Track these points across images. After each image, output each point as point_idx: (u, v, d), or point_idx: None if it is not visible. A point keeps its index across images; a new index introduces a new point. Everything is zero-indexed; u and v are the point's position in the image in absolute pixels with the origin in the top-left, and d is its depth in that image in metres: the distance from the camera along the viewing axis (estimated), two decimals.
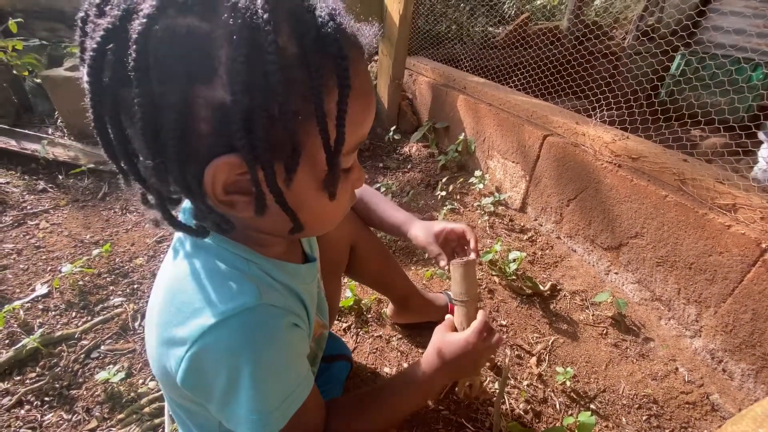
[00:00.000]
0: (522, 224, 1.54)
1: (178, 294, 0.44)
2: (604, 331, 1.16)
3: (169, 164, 0.35)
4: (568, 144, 1.36)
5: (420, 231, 0.79)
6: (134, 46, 0.31)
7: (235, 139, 0.34)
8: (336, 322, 1.15)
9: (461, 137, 1.82)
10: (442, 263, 0.76)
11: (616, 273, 1.29)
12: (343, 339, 1.11)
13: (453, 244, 0.81)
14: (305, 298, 0.54)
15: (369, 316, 1.18)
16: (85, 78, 0.33)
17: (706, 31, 2.10)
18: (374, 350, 1.09)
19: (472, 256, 0.76)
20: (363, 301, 1.19)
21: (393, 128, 2.13)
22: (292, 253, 0.58)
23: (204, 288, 0.43)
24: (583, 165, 1.31)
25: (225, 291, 0.43)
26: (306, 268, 0.58)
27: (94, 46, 0.32)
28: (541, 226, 1.53)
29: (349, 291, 1.18)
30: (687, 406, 1.00)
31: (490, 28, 2.67)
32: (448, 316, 0.75)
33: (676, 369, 1.07)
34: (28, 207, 1.54)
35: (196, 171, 0.36)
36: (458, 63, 2.18)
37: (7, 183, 1.65)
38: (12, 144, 1.78)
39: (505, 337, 1.13)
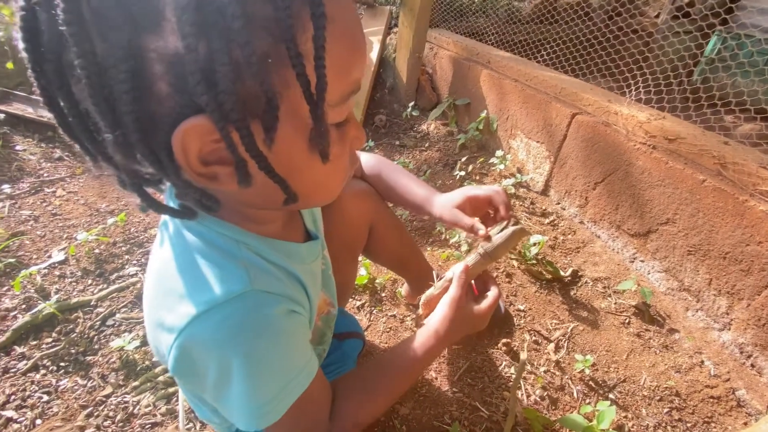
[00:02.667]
0: (544, 207, 1.48)
1: (165, 279, 0.41)
2: (627, 321, 1.12)
3: (131, 136, 0.30)
4: (599, 123, 1.29)
5: (444, 209, 0.72)
6: None
7: (196, 96, 0.28)
8: (349, 299, 1.14)
9: (483, 115, 1.75)
10: (481, 232, 0.67)
11: (642, 261, 1.23)
12: (357, 317, 1.10)
13: (482, 211, 0.75)
14: (305, 281, 0.49)
15: (383, 294, 1.15)
16: (21, 45, 0.28)
17: (745, 11, 1.95)
18: (388, 329, 1.07)
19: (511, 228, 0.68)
20: (377, 280, 1.17)
21: (411, 104, 2.06)
22: (292, 230, 0.54)
23: (189, 273, 0.40)
24: (614, 146, 1.24)
25: (211, 277, 0.39)
26: (306, 247, 0.53)
27: (22, 3, 0.27)
28: (564, 210, 1.47)
29: (364, 269, 1.16)
30: (711, 400, 0.96)
31: (516, 2, 2.54)
32: (459, 272, 0.66)
33: (702, 362, 1.03)
34: (45, 175, 1.55)
35: (162, 141, 0.31)
36: (482, 37, 2.08)
37: (24, 150, 1.65)
38: (29, 111, 1.78)
39: (522, 322, 1.10)
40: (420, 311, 0.73)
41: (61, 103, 0.30)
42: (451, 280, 0.66)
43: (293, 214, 0.55)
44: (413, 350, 0.60)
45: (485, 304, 0.65)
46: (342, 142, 0.40)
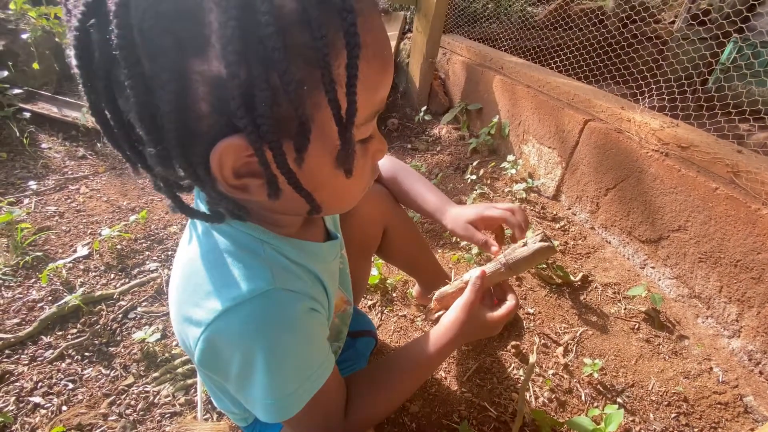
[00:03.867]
0: (554, 212, 1.49)
1: (193, 276, 0.44)
2: (636, 326, 1.12)
3: (172, 151, 0.32)
4: (611, 130, 1.30)
5: (456, 223, 0.74)
6: (115, 20, 0.27)
7: (236, 118, 0.30)
8: (362, 299, 1.16)
9: (495, 120, 1.76)
10: (494, 249, 0.69)
11: (652, 267, 1.24)
12: (368, 316, 1.12)
13: (495, 228, 0.77)
14: (324, 279, 0.51)
15: (394, 295, 1.18)
16: (73, 61, 0.30)
17: (761, 18, 1.94)
18: (398, 329, 1.09)
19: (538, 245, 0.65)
20: (389, 281, 1.19)
21: (423, 109, 2.08)
22: (312, 231, 0.56)
23: (216, 271, 0.42)
24: (627, 153, 1.25)
25: (237, 274, 0.41)
26: (327, 247, 0.55)
27: (76, 24, 0.29)
28: (575, 215, 1.48)
29: (375, 269, 1.18)
30: (719, 406, 0.96)
31: (529, 8, 2.55)
32: (474, 277, 0.66)
33: (711, 368, 1.03)
34: (69, 172, 1.60)
35: (200, 156, 0.33)
36: (495, 43, 2.10)
37: (50, 148, 1.71)
38: (54, 111, 1.84)
39: (531, 325, 1.11)
40: (432, 305, 0.75)
41: (108, 115, 0.32)
42: (467, 282, 0.67)
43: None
44: (424, 350, 0.61)
45: (500, 312, 0.65)
46: (365, 156, 0.42)
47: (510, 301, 0.67)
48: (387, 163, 0.84)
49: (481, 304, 0.66)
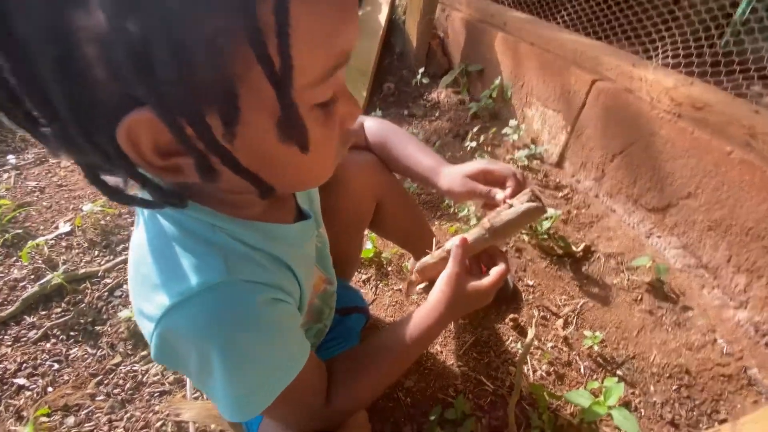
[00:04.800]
0: (557, 180, 1.43)
1: (141, 265, 0.39)
2: (639, 297, 1.09)
3: (69, 129, 0.26)
4: (621, 90, 1.21)
5: (453, 182, 0.64)
6: None
7: (131, 86, 0.24)
8: (355, 273, 1.12)
9: (497, 82, 1.66)
10: (500, 196, 0.58)
11: (658, 236, 1.19)
12: (362, 291, 1.09)
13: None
14: (294, 265, 0.46)
15: (390, 269, 1.14)
16: None
17: None
18: (393, 303, 1.06)
19: (526, 204, 0.57)
20: (384, 255, 1.15)
21: (421, 71, 1.97)
22: (280, 210, 0.49)
23: (162, 260, 0.37)
24: (636, 114, 1.17)
25: (186, 266, 0.36)
26: (298, 228, 0.49)
27: None
28: (579, 183, 1.41)
29: (370, 242, 1.14)
30: (722, 378, 0.94)
31: None
32: (454, 246, 0.59)
33: (715, 340, 1.00)
34: None
35: (106, 135, 0.27)
36: None
37: None
38: None
39: (531, 298, 1.08)
40: (412, 278, 0.69)
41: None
42: (449, 252, 0.60)
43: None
44: (411, 332, 0.56)
45: (489, 280, 0.58)
46: (328, 124, 0.35)
47: (498, 267, 0.60)
48: (376, 127, 0.75)
49: (467, 274, 0.59)
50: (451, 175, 0.65)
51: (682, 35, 1.26)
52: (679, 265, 1.14)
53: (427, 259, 0.66)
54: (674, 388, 0.92)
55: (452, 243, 0.61)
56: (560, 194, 1.38)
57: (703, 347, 0.99)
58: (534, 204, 0.55)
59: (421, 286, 0.68)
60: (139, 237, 0.40)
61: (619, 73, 1.23)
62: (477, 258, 0.63)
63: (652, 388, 0.92)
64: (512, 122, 1.58)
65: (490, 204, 0.62)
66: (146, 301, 0.37)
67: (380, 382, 0.56)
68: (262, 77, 0.26)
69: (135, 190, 0.34)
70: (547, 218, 1.18)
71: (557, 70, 1.40)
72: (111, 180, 0.32)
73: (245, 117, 0.28)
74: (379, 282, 1.11)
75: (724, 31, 1.86)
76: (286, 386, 0.42)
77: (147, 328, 0.38)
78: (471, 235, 0.60)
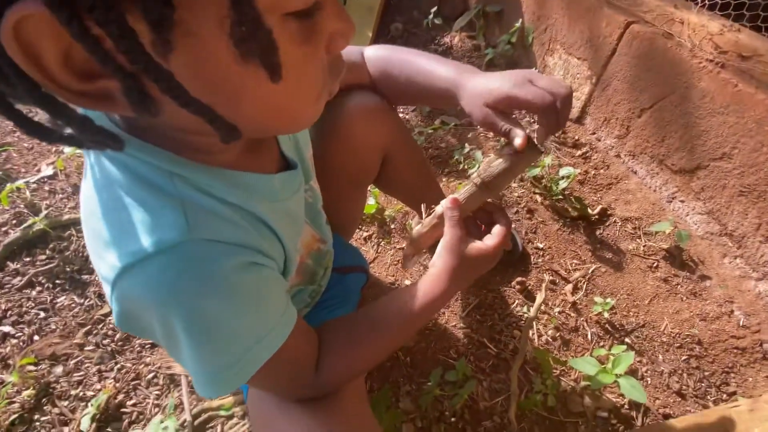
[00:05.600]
0: (576, 137, 1.32)
1: (90, 218, 0.32)
2: (655, 264, 1.03)
3: None
4: (658, 34, 1.08)
5: (474, 106, 0.50)
6: None
7: None
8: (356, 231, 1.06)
9: (517, 25, 1.50)
10: (517, 141, 0.46)
11: (681, 201, 1.11)
12: (363, 249, 1.03)
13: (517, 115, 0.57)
14: (272, 222, 0.39)
15: (393, 227, 1.08)
16: None
17: None
18: (395, 262, 1.01)
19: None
20: (387, 212, 1.08)
21: (433, 11, 1.79)
22: (259, 157, 0.41)
23: (112, 215, 0.30)
24: (674, 63, 1.05)
25: (138, 221, 0.30)
26: (281, 180, 0.41)
27: None
28: (599, 141, 1.31)
29: (372, 198, 1.06)
30: (735, 351, 0.90)
31: None
32: (446, 209, 0.51)
33: (732, 311, 0.95)
34: None
35: None
36: None
37: None
38: None
39: (540, 261, 1.02)
40: (407, 251, 0.62)
41: None
42: (441, 217, 0.52)
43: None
44: (411, 305, 0.49)
45: (492, 242, 0.50)
46: (309, 42, 0.27)
47: (499, 225, 0.52)
48: (376, 54, 0.62)
49: (467, 237, 0.51)
50: (473, 96, 0.51)
51: None
52: (701, 232, 1.07)
53: (419, 229, 0.58)
54: (684, 358, 0.89)
55: (441, 208, 0.53)
56: (578, 153, 1.29)
57: (718, 318, 0.94)
58: (527, 148, 0.46)
59: (416, 258, 0.62)
60: (86, 187, 0.33)
61: (658, 15, 1.09)
62: (473, 216, 0.55)
63: (660, 357, 0.88)
64: None
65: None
66: (100, 260, 0.31)
67: (378, 354, 0.51)
68: None
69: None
70: (563, 177, 1.10)
71: (586, 12, 1.25)
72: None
73: (185, 21, 0.21)
74: (381, 240, 1.05)
75: None
76: (265, 360, 0.37)
77: (106, 291, 0.32)
78: (462, 194, 0.52)
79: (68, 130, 0.25)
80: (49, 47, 0.21)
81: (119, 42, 0.20)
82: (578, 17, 1.29)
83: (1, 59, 0.20)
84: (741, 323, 0.93)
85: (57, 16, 0.19)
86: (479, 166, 0.51)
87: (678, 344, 0.90)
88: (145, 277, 0.30)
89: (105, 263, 0.31)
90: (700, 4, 1.08)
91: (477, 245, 0.50)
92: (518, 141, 0.46)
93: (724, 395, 0.84)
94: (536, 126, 0.50)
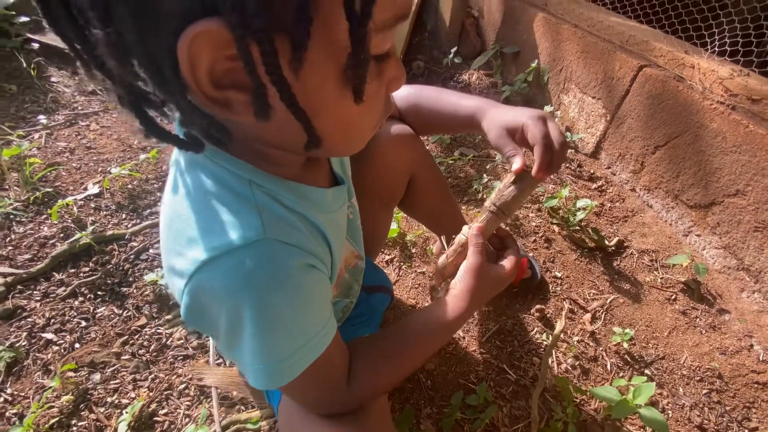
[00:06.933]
0: (592, 171, 1.37)
1: (175, 220, 0.37)
2: (673, 297, 1.05)
3: (127, 35, 0.24)
4: (670, 78, 1.14)
5: (492, 127, 0.58)
6: None
7: None
8: (380, 253, 1.11)
9: (533, 65, 1.59)
10: (515, 166, 0.53)
11: (698, 235, 1.13)
12: (385, 271, 1.07)
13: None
14: (328, 232, 0.44)
15: (414, 251, 1.12)
16: None
17: None
18: (416, 285, 1.05)
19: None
20: (408, 236, 1.12)
21: (453, 51, 1.90)
22: (315, 173, 0.47)
23: (200, 216, 0.36)
24: (685, 105, 1.10)
25: (223, 221, 0.35)
26: (333, 193, 0.47)
27: None
28: (615, 175, 1.35)
29: (395, 222, 1.11)
30: (755, 385, 0.90)
31: None
32: (472, 236, 0.57)
33: (751, 346, 0.96)
34: (79, 108, 1.54)
35: (165, 47, 0.25)
36: None
37: (59, 82, 1.64)
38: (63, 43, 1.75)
39: (558, 290, 1.04)
40: (434, 282, 0.67)
41: None
42: (464, 245, 0.58)
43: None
44: (437, 320, 0.54)
45: (508, 266, 0.57)
46: (379, 80, 0.34)
47: (510, 249, 0.59)
48: (405, 91, 0.70)
49: (486, 263, 0.57)
50: (493, 119, 0.59)
51: (742, 22, 1.18)
52: (718, 266, 1.09)
53: (443, 260, 0.64)
54: (704, 392, 0.89)
55: (462, 236, 0.59)
56: (594, 186, 1.33)
57: (738, 352, 0.94)
58: (526, 179, 0.54)
59: (442, 286, 0.67)
60: (172, 193, 0.39)
61: (669, 60, 1.16)
62: (487, 245, 0.61)
63: (681, 390, 0.89)
64: (547, 108, 1.52)
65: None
66: (179, 257, 0.36)
67: (403, 370, 0.54)
68: (339, 9, 0.25)
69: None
70: (580, 209, 1.14)
71: (601, 55, 1.33)
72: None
73: (312, 48, 0.27)
74: (402, 264, 1.09)
75: None
76: (315, 359, 0.41)
77: (177, 286, 0.36)
78: (482, 221, 0.58)
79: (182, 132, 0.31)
80: (206, 57, 0.26)
81: (266, 57, 0.26)
82: (592, 60, 1.36)
83: (168, 62, 0.26)
84: (761, 358, 0.93)
85: (233, 33, 0.24)
86: (493, 195, 0.57)
87: (698, 377, 0.91)
88: (224, 268, 0.34)
89: (185, 259, 0.35)
90: (710, 50, 1.15)
91: (496, 269, 0.57)
92: (516, 165, 0.53)
93: (746, 431, 0.83)
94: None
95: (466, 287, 0.55)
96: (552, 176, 1.35)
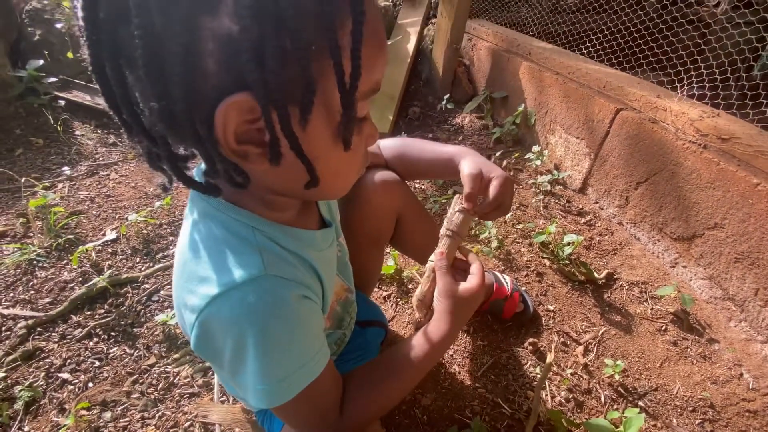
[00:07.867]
0: (580, 206, 1.43)
1: (188, 263, 0.44)
2: (663, 327, 1.07)
3: (176, 106, 0.32)
4: (645, 120, 1.23)
5: (467, 166, 0.66)
6: None
7: (246, 73, 0.31)
8: (375, 289, 1.16)
9: (520, 108, 1.70)
10: (464, 206, 0.63)
11: (684, 266, 1.17)
12: (382, 308, 1.12)
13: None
14: (318, 267, 0.51)
15: (410, 286, 1.17)
16: (80, 14, 0.30)
17: None
18: (413, 321, 1.09)
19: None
20: (404, 273, 1.18)
21: (446, 97, 2.03)
22: (307, 218, 0.56)
23: (208, 258, 0.43)
24: (661, 144, 1.18)
25: (230, 262, 0.42)
26: (321, 234, 0.55)
27: None
28: (602, 209, 1.42)
29: (392, 259, 1.17)
30: (747, 414, 0.91)
31: None
32: (436, 261, 0.64)
33: (741, 374, 0.98)
34: (101, 158, 1.66)
35: (205, 114, 0.34)
36: (523, 28, 2.01)
37: (83, 135, 1.78)
38: (87, 99, 1.91)
39: (551, 323, 1.08)
40: (417, 316, 0.72)
41: (108, 73, 0.32)
42: (433, 270, 0.64)
43: (309, 202, 0.57)
44: (422, 347, 0.59)
45: (474, 282, 0.61)
46: (360, 136, 0.43)
47: (474, 265, 0.64)
48: (390, 142, 0.81)
49: (455, 281, 0.62)
50: (474, 162, 0.68)
51: (708, 68, 1.28)
52: (705, 297, 1.12)
53: (419, 290, 0.69)
54: (698, 422, 0.90)
55: (430, 264, 0.66)
56: (582, 220, 1.39)
57: (728, 381, 0.96)
58: (463, 208, 0.64)
59: (429, 316, 0.72)
60: (185, 239, 0.46)
61: (644, 103, 1.26)
62: (453, 266, 0.67)
63: (674, 421, 0.90)
64: (535, 148, 1.61)
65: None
66: (191, 294, 0.43)
67: (393, 395, 0.59)
68: (332, 85, 0.35)
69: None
70: (568, 243, 1.19)
71: (581, 99, 1.43)
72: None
73: (314, 114, 0.36)
74: (399, 299, 1.14)
75: (752, 64, 1.86)
76: (310, 381, 0.46)
77: (188, 320, 0.43)
78: (442, 246, 0.65)
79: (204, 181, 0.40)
80: (234, 120, 0.34)
81: (282, 119, 0.34)
82: (574, 103, 1.47)
83: (205, 125, 0.34)
84: (751, 386, 0.95)
85: (259, 103, 0.33)
86: (445, 222, 0.66)
87: (691, 408, 0.92)
88: (231, 301, 0.41)
89: (196, 296, 0.42)
90: (680, 94, 1.24)
91: (465, 285, 0.62)
92: (464, 204, 0.64)
93: None
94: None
95: (443, 308, 0.61)
96: (540, 212, 1.42)
